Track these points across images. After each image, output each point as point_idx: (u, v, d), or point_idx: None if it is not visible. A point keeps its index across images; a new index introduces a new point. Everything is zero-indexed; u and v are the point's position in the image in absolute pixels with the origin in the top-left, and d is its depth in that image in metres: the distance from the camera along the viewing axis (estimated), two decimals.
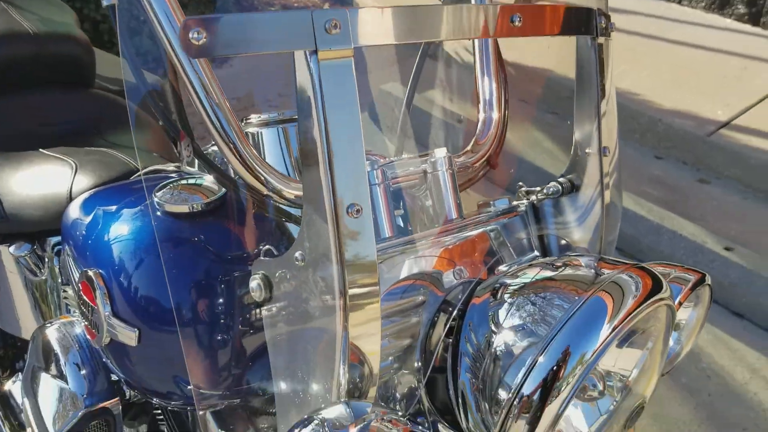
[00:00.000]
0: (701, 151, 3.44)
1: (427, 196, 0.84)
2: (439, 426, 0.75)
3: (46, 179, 1.34)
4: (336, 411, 0.57)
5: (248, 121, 0.90)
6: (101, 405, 1.01)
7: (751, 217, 3.02)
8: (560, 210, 0.91)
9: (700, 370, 2.31)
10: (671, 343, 0.90)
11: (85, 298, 0.89)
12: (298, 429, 0.56)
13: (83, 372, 1.05)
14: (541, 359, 0.61)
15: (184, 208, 0.85)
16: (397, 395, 0.72)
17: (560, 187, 0.89)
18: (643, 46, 4.33)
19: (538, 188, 0.91)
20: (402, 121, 1.00)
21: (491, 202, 0.89)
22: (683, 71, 3.97)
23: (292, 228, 0.81)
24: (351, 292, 0.59)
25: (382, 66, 1.03)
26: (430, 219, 0.84)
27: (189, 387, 0.85)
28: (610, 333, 0.61)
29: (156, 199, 0.86)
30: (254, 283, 0.66)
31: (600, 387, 0.68)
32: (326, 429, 0.54)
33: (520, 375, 0.61)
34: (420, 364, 0.72)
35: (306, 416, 0.57)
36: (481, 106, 0.97)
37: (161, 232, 0.86)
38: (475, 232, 0.83)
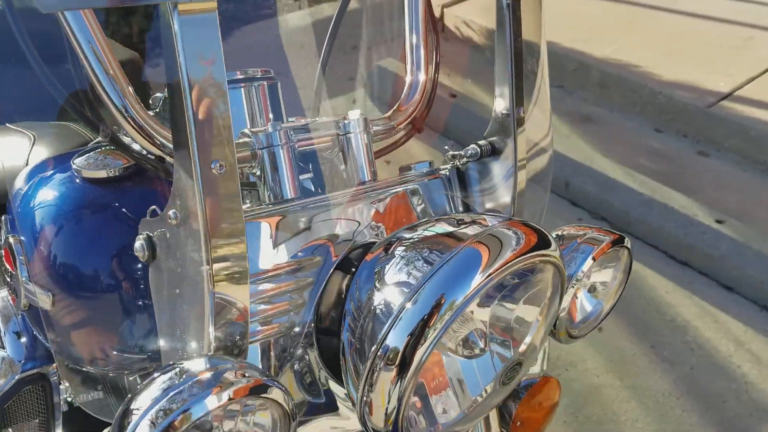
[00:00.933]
0: (701, 123, 3.38)
1: (340, 160, 0.83)
2: (336, 393, 0.75)
3: (5, 152, 1.36)
4: (197, 363, 0.58)
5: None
6: (37, 371, 1.03)
7: (747, 190, 2.97)
8: (484, 174, 0.90)
9: (684, 343, 2.30)
10: (589, 306, 0.89)
11: (5, 264, 0.90)
12: (158, 374, 0.57)
13: (22, 339, 1.07)
14: (408, 306, 0.60)
15: (101, 174, 0.86)
16: (287, 357, 0.72)
17: (479, 150, 0.87)
18: (646, 17, 4.24)
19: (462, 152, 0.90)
20: (317, 82, 0.99)
21: (412, 166, 0.89)
22: (686, 42, 3.89)
23: None
24: (216, 251, 0.59)
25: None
26: (343, 182, 0.84)
27: (110, 351, 0.86)
28: (481, 282, 0.61)
29: (74, 166, 0.86)
30: (138, 243, 0.66)
31: (481, 344, 0.67)
32: (182, 377, 0.55)
33: (386, 325, 0.61)
34: (313, 325, 0.72)
35: (169, 364, 0.58)
36: (408, 67, 0.95)
37: (76, 199, 0.87)
38: (388, 195, 0.82)
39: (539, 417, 0.93)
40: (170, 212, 0.62)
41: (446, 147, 0.91)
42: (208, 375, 0.56)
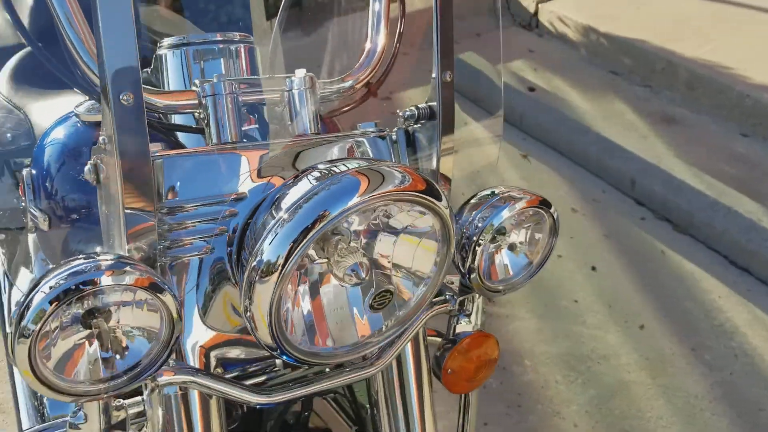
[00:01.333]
0: None
1: (286, 115, 0.92)
2: None
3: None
4: (105, 256, 0.68)
5: (161, 44, 1.02)
6: None
7: None
8: (427, 138, 0.96)
9: (728, 349, 2.22)
10: (510, 264, 0.94)
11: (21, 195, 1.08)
12: (75, 260, 0.67)
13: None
14: (282, 222, 0.69)
15: (96, 118, 1.00)
16: (205, 280, 0.82)
17: (417, 112, 0.94)
18: (748, 17, 4.05)
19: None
20: (273, 38, 1.07)
21: (357, 125, 0.96)
22: None
23: None
24: (125, 174, 0.71)
25: None
26: (288, 136, 0.93)
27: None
28: (351, 206, 0.69)
29: (75, 111, 1.01)
30: (86, 168, 0.78)
31: (363, 274, 0.74)
32: (88, 267, 0.65)
33: (261, 239, 0.69)
34: (234, 256, 0.81)
35: (84, 255, 0.69)
36: (368, 32, 1.02)
37: (76, 138, 1.01)
38: (326, 146, 0.90)
39: (470, 367, 0.99)
40: (101, 139, 0.74)
41: (398, 111, 0.99)
42: (107, 261, 0.66)
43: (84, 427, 0.74)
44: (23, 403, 1.31)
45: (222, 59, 1.00)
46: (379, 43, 1.02)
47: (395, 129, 0.97)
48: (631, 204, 2.98)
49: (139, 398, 0.79)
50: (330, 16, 1.12)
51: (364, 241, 0.79)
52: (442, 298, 0.95)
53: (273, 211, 0.73)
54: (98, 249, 0.80)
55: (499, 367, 2.11)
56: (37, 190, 1.05)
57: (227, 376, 0.86)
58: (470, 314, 0.99)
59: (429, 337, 1.02)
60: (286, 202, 0.73)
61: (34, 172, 1.07)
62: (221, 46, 1.00)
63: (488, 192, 0.93)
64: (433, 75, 0.91)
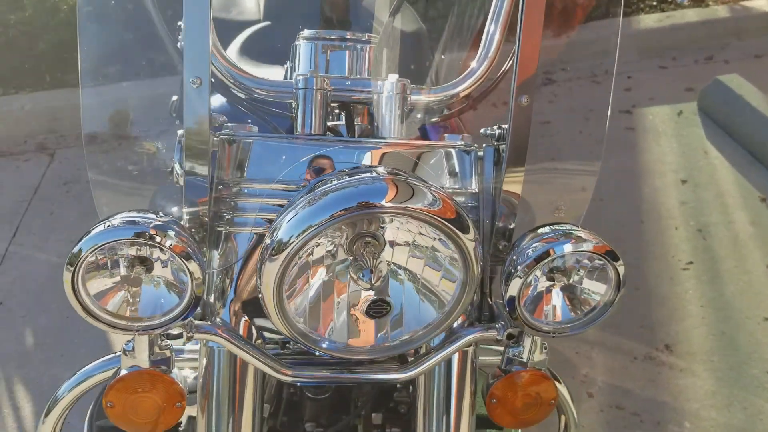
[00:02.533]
0: None
1: (373, 117, 0.96)
2: None
3: None
4: (158, 218, 0.79)
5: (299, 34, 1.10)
6: None
7: None
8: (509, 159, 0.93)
9: None
10: (559, 307, 0.88)
11: None
12: (139, 213, 0.79)
13: None
14: (306, 204, 0.75)
15: None
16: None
17: (497, 133, 0.92)
18: None
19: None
20: (383, 39, 1.09)
21: (445, 136, 0.97)
22: None
23: None
24: (187, 150, 0.81)
25: None
26: (369, 137, 0.97)
27: None
28: (365, 210, 0.73)
29: None
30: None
31: (372, 279, 0.76)
32: (142, 221, 0.77)
33: (275, 221, 0.76)
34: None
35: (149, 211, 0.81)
36: (480, 51, 1.01)
37: None
38: (397, 151, 0.92)
39: (516, 403, 0.95)
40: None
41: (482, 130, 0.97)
42: (157, 222, 0.77)
43: (131, 354, 0.87)
44: None
45: (346, 54, 1.07)
46: (484, 65, 1.01)
47: (483, 145, 0.96)
48: None
49: (180, 341, 0.90)
50: (445, 22, 1.13)
51: (392, 251, 0.81)
52: (492, 324, 0.93)
53: (304, 197, 0.78)
54: (174, 209, 0.92)
55: (652, 421, 1.95)
56: None
57: (267, 348, 0.93)
58: (523, 348, 0.95)
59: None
60: (316, 192, 0.77)
61: None
62: (348, 43, 1.06)
63: (558, 226, 0.89)
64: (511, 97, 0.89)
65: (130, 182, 1.03)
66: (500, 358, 0.97)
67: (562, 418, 1.14)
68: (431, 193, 0.76)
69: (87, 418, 1.26)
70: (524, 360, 0.95)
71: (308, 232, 0.74)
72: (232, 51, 1.85)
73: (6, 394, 2.11)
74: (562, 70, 3.82)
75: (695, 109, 3.41)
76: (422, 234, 0.80)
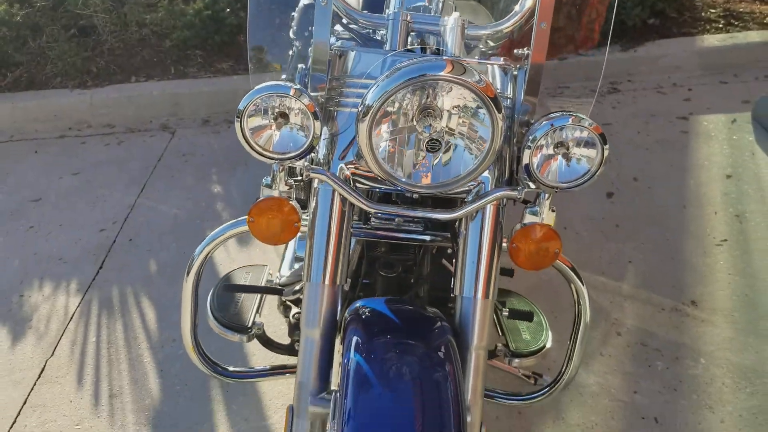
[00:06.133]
0: None
1: (440, 44, 1.38)
2: None
3: None
4: (297, 87, 1.22)
5: None
6: None
7: None
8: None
9: None
10: (563, 169, 1.26)
11: None
12: (284, 83, 1.23)
13: None
14: (386, 77, 1.13)
15: None
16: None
17: (525, 53, 1.32)
18: None
19: None
20: None
21: (491, 57, 1.37)
22: None
23: None
24: (314, 54, 1.24)
25: None
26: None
27: None
28: (427, 77, 1.11)
29: None
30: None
31: (438, 128, 1.16)
32: (286, 87, 1.21)
33: (368, 90, 1.16)
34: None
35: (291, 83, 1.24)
36: None
37: None
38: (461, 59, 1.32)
39: (530, 247, 1.33)
40: None
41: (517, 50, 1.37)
42: (296, 88, 1.19)
43: (267, 186, 1.29)
44: None
45: None
46: (526, 5, 1.40)
47: (517, 66, 1.36)
48: None
49: (299, 178, 1.31)
50: None
51: (446, 119, 1.21)
52: (515, 187, 1.31)
53: (383, 75, 1.19)
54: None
55: (671, 357, 2.25)
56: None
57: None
58: (536, 207, 1.32)
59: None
60: (392, 70, 1.18)
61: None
62: None
63: (565, 112, 1.27)
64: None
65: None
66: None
67: (579, 309, 1.50)
68: (478, 74, 1.16)
69: (209, 294, 1.68)
70: (537, 219, 1.33)
71: (384, 96, 1.15)
72: None
73: (135, 306, 2.61)
74: (628, 81, 4.16)
75: (749, 118, 3.67)
76: (462, 115, 1.19)
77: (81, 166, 3.54)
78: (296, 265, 2.10)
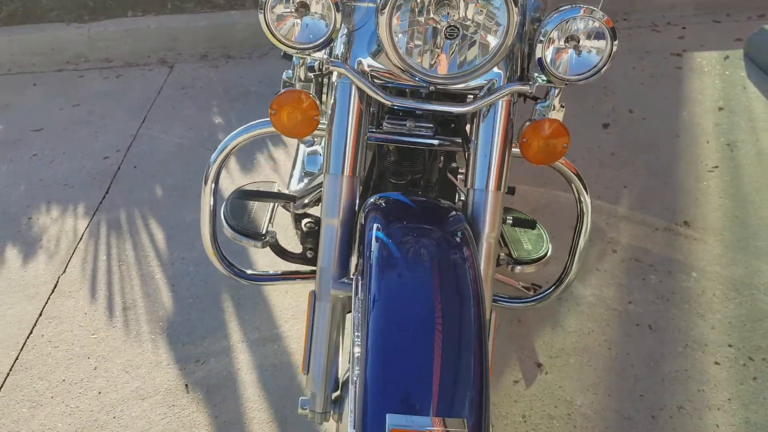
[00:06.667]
0: None
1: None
2: None
3: None
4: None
5: None
6: None
7: None
8: None
9: None
10: (573, 62, 1.32)
11: None
12: None
13: None
14: None
15: None
16: None
17: None
18: None
19: None
20: None
21: None
22: None
23: None
24: None
25: None
26: None
27: None
28: None
29: None
30: None
31: (455, 18, 1.21)
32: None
33: None
34: None
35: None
36: None
37: None
38: None
39: (540, 142, 1.39)
40: None
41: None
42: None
43: (288, 79, 1.35)
44: None
45: None
46: None
47: None
48: None
49: (318, 73, 1.36)
50: None
51: (463, 5, 1.26)
52: (526, 82, 1.37)
53: None
54: None
55: (664, 271, 2.35)
56: None
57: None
58: (547, 102, 1.38)
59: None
60: None
61: None
62: None
63: (575, 5, 1.32)
64: None
65: None
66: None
67: (583, 215, 1.59)
68: None
69: (223, 205, 1.74)
70: (546, 113, 1.39)
71: None
72: None
73: (143, 227, 2.66)
74: (624, 20, 4.19)
75: (741, 55, 3.73)
76: (480, 2, 1.24)
77: (81, 98, 3.55)
78: (306, 180, 2.16)
